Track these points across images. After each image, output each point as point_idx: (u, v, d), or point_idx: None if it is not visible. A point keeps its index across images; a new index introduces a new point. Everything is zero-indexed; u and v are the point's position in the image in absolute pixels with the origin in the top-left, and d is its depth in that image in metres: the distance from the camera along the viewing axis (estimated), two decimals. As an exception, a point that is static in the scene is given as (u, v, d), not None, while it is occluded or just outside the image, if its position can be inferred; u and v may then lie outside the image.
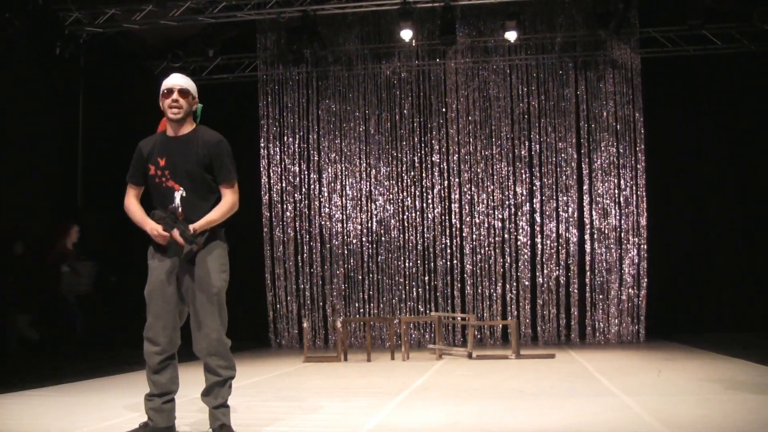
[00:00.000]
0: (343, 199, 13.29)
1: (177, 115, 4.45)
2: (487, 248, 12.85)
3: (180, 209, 4.37)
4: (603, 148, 12.71)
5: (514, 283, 12.72)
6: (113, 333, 11.68)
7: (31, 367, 9.25)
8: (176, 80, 4.49)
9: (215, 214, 4.43)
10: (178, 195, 4.41)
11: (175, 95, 4.43)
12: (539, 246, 12.71)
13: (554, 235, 12.69)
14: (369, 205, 13.25)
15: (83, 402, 6.31)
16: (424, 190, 13.13)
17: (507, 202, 12.89)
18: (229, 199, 4.50)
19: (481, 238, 12.88)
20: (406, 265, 13.03)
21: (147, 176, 4.54)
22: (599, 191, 12.64)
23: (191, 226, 4.32)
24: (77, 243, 10.90)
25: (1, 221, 9.93)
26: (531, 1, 12.12)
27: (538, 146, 12.89)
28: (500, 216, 12.87)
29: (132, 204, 4.59)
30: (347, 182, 13.29)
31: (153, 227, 4.37)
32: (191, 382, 5.58)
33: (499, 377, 7.79)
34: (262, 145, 13.37)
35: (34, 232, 10.47)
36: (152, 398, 4.47)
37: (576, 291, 12.52)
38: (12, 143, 10.10)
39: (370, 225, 13.21)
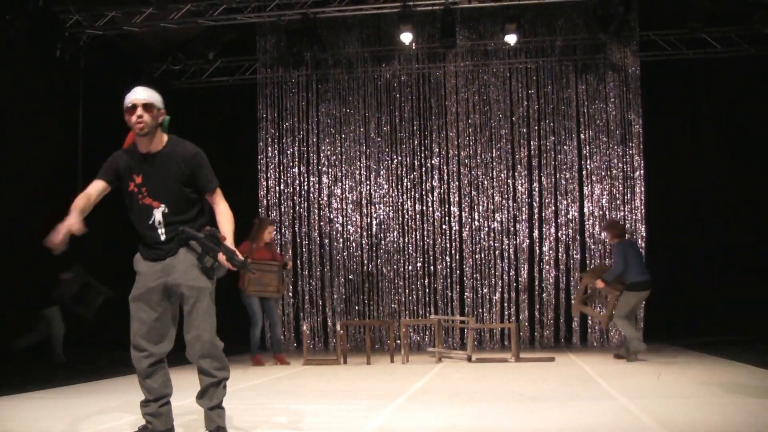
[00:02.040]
0: (343, 202, 13.29)
1: (143, 130, 4.35)
2: (486, 251, 12.85)
3: (219, 233, 4.33)
4: (602, 151, 12.72)
5: (514, 286, 12.72)
6: (113, 335, 11.67)
7: (31, 368, 9.24)
8: (139, 95, 4.39)
9: (227, 226, 4.43)
10: (159, 212, 4.40)
11: (140, 110, 4.34)
12: (539, 249, 12.71)
13: (554, 237, 12.70)
14: (368, 208, 13.26)
15: (83, 404, 6.31)
16: (423, 192, 13.14)
17: (506, 205, 12.90)
18: (224, 207, 4.51)
19: (481, 241, 12.89)
20: (406, 268, 13.04)
21: (124, 191, 4.50)
22: (599, 194, 12.65)
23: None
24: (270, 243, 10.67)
25: (0, 222, 9.91)
26: (531, 5, 12.12)
27: (537, 149, 12.90)
28: (500, 219, 12.88)
29: (83, 194, 4.50)
30: (347, 185, 13.30)
31: (67, 223, 4.35)
32: (186, 386, 5.58)
33: (499, 380, 7.79)
34: (261, 147, 13.38)
35: (33, 234, 10.45)
36: (148, 404, 4.49)
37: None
38: (12, 145, 10.09)
39: (369, 228, 13.22)
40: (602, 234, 12.03)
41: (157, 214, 4.40)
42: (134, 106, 4.34)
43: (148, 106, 4.35)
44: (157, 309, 4.41)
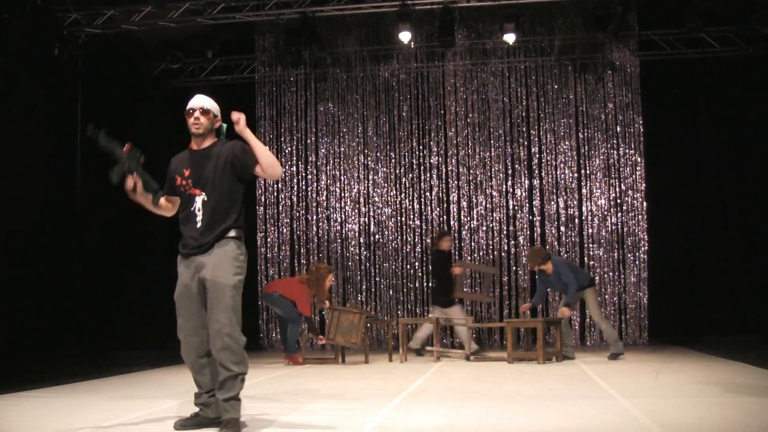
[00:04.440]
0: (341, 201, 13.29)
1: (198, 130, 4.90)
2: (485, 250, 12.85)
3: (140, 154, 4.80)
4: (601, 151, 12.72)
5: (513, 285, 12.72)
6: (112, 334, 11.66)
7: (29, 368, 9.23)
8: (198, 101, 4.95)
9: (262, 148, 4.81)
10: (200, 199, 4.81)
11: (197, 113, 4.90)
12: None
13: (553, 237, 12.69)
14: (367, 206, 13.25)
15: (81, 403, 6.30)
16: (422, 192, 13.13)
17: (505, 205, 12.89)
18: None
19: (480, 240, 12.88)
20: (404, 267, 13.03)
21: (175, 186, 4.95)
22: (598, 194, 12.65)
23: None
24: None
25: (-1, 221, 9.91)
26: (530, 4, 12.12)
27: (536, 149, 12.91)
28: (498, 218, 12.88)
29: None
30: (345, 184, 13.29)
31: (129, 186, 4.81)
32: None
33: (497, 379, 7.78)
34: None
35: (31, 233, 10.44)
36: (200, 395, 4.92)
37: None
38: (9, 145, 10.07)
39: (367, 227, 13.21)
40: (526, 264, 12.06)
41: (198, 201, 4.82)
42: (193, 110, 4.92)
43: (205, 111, 4.92)
44: (196, 303, 4.77)
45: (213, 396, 4.82)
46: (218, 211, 4.78)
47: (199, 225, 4.78)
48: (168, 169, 5.04)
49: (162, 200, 5.00)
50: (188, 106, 4.94)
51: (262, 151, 4.78)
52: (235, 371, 4.63)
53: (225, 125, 5.03)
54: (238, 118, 4.72)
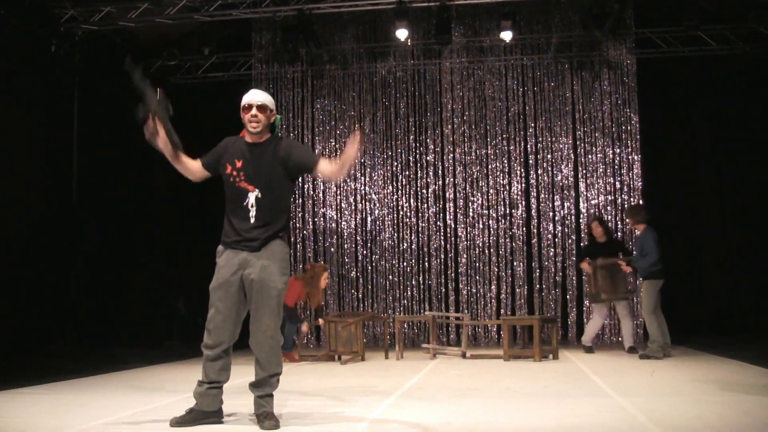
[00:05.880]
0: (338, 198, 13.29)
1: (256, 129, 4.91)
2: (481, 248, 12.85)
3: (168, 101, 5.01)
4: (598, 149, 12.72)
5: (509, 283, 12.72)
6: (109, 332, 11.65)
7: (25, 365, 9.22)
8: (255, 96, 4.96)
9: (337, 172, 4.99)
10: (253, 196, 4.83)
11: (254, 110, 4.90)
12: (534, 246, 12.72)
13: (549, 235, 12.70)
14: (363, 204, 13.25)
15: (77, 400, 6.29)
16: (418, 189, 13.14)
17: (502, 202, 12.89)
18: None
19: (476, 237, 12.89)
20: (401, 264, 13.03)
21: (222, 172, 4.95)
22: (594, 192, 12.65)
23: None
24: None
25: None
26: (527, 1, 12.12)
27: (533, 146, 12.91)
28: (495, 215, 12.88)
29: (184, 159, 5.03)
30: (341, 181, 13.28)
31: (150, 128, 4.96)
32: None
33: (493, 377, 7.79)
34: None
35: (28, 231, 10.42)
36: (201, 384, 4.91)
37: (572, 291, 12.53)
38: (6, 142, 10.05)
39: (364, 224, 13.21)
40: (626, 221, 11.93)
41: (251, 197, 4.84)
42: (250, 106, 4.92)
43: (262, 107, 4.92)
44: (233, 299, 4.83)
45: (214, 389, 4.89)
46: (272, 210, 4.85)
47: (252, 221, 4.82)
48: (218, 145, 5.06)
49: (186, 158, 5.00)
50: (244, 102, 4.95)
51: (333, 171, 4.96)
52: (271, 372, 4.88)
53: (279, 116, 5.07)
54: (355, 151, 4.81)
